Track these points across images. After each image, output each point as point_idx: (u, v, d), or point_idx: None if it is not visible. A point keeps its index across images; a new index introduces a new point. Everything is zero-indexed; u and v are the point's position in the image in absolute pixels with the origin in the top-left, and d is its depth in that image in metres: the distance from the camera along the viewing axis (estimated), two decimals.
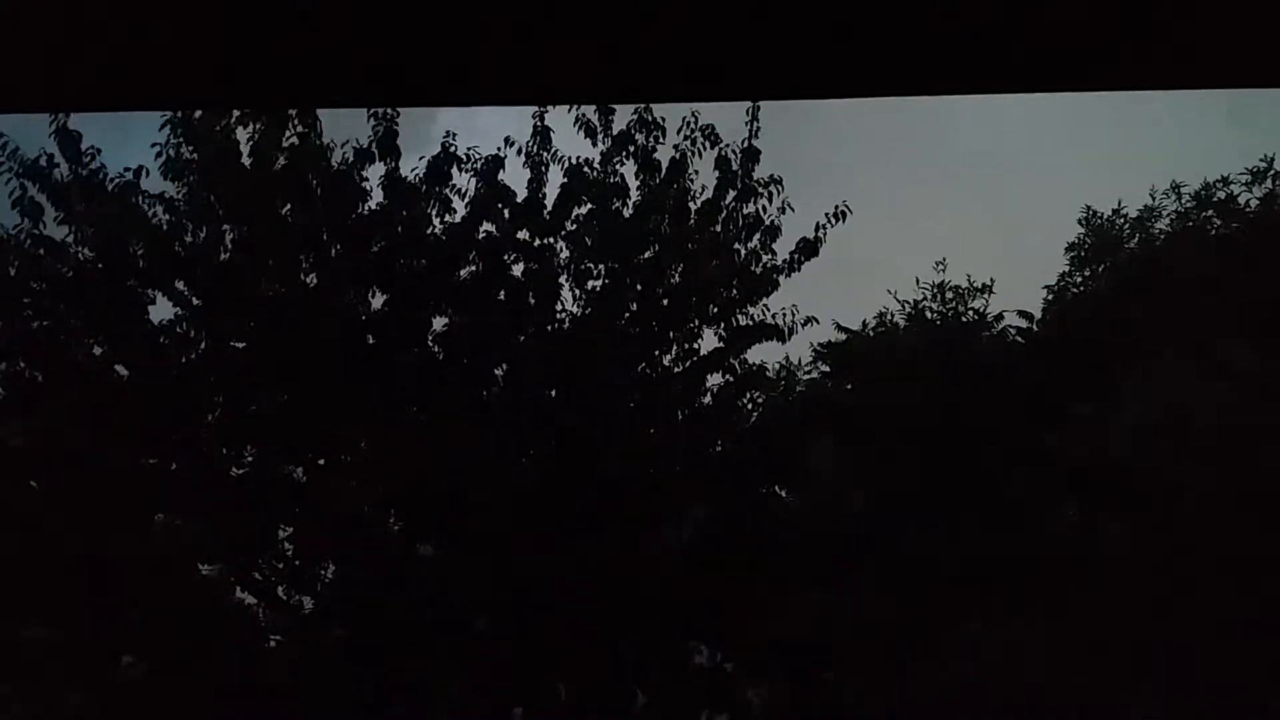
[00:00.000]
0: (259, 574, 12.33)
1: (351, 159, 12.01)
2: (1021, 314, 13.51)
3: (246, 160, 11.69)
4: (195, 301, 11.92)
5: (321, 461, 12.51)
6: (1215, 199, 13.13)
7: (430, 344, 12.22)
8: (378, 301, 12.24)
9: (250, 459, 12.34)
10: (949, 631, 11.97)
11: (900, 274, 13.83)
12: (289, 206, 11.97)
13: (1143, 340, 13.35)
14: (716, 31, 2.12)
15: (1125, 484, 13.25)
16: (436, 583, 11.65)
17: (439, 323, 12.20)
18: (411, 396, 11.97)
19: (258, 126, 11.64)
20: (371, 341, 12.16)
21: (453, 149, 12.09)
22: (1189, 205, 13.29)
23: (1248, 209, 13.09)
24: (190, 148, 11.60)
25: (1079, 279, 13.81)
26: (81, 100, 2.66)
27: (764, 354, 12.78)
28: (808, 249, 11.86)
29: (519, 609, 11.61)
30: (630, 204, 12.16)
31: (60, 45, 2.13)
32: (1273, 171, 13.00)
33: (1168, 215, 13.44)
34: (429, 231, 12.17)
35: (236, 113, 11.58)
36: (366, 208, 12.19)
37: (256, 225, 11.84)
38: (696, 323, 12.06)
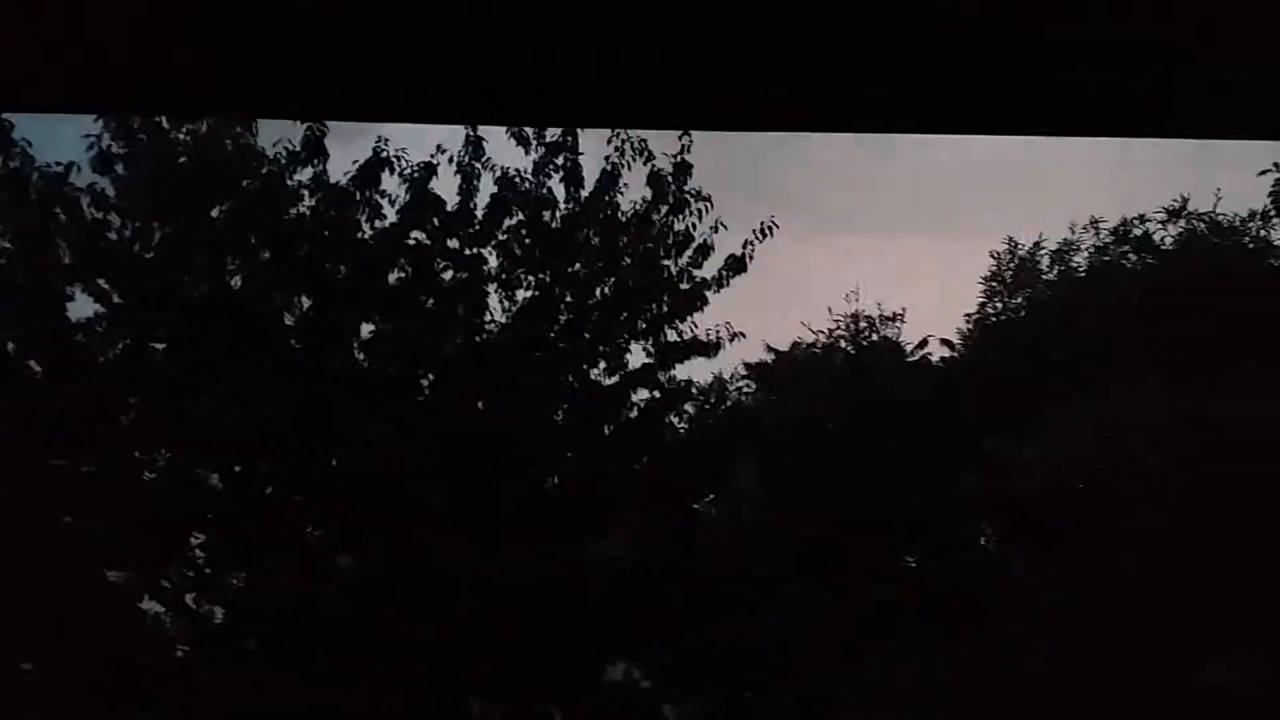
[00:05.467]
0: (168, 581, 12.03)
1: (284, 160, 11.90)
2: (944, 342, 13.74)
3: (178, 158, 11.54)
4: (117, 299, 11.68)
5: (238, 468, 12.28)
6: (1132, 235, 13.51)
7: (356, 350, 12.09)
8: (304, 305, 12.09)
9: (164, 463, 12.08)
10: (871, 654, 12.02)
11: (838, 295, 13.95)
12: (218, 207, 11.81)
13: (1056, 375, 13.62)
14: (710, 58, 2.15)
15: (1035, 518, 13.46)
16: (355, 593, 11.47)
17: (366, 329, 12.09)
18: (336, 403, 11.81)
19: (190, 127, 11.50)
20: (297, 346, 12.00)
21: (384, 154, 12.04)
22: (1108, 240, 13.66)
23: (1163, 246, 13.48)
24: (121, 142, 11.42)
25: (998, 308, 14.09)
26: (74, 102, 2.63)
27: (692, 371, 12.84)
28: (735, 265, 11.99)
29: (436, 621, 11.45)
30: (559, 216, 12.19)
31: (55, 45, 2.10)
32: (1187, 211, 13.42)
33: (1086, 249, 13.81)
34: (358, 236, 12.07)
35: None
36: (296, 211, 12.06)
37: (184, 224, 11.66)
38: (625, 337, 12.10)
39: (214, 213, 11.93)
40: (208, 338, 11.68)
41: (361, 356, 12.15)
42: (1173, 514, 12.81)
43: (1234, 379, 12.77)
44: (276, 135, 12.09)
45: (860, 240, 19.42)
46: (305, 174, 11.98)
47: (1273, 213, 13.63)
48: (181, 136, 11.69)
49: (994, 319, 13.96)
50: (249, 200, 11.99)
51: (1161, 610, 12.72)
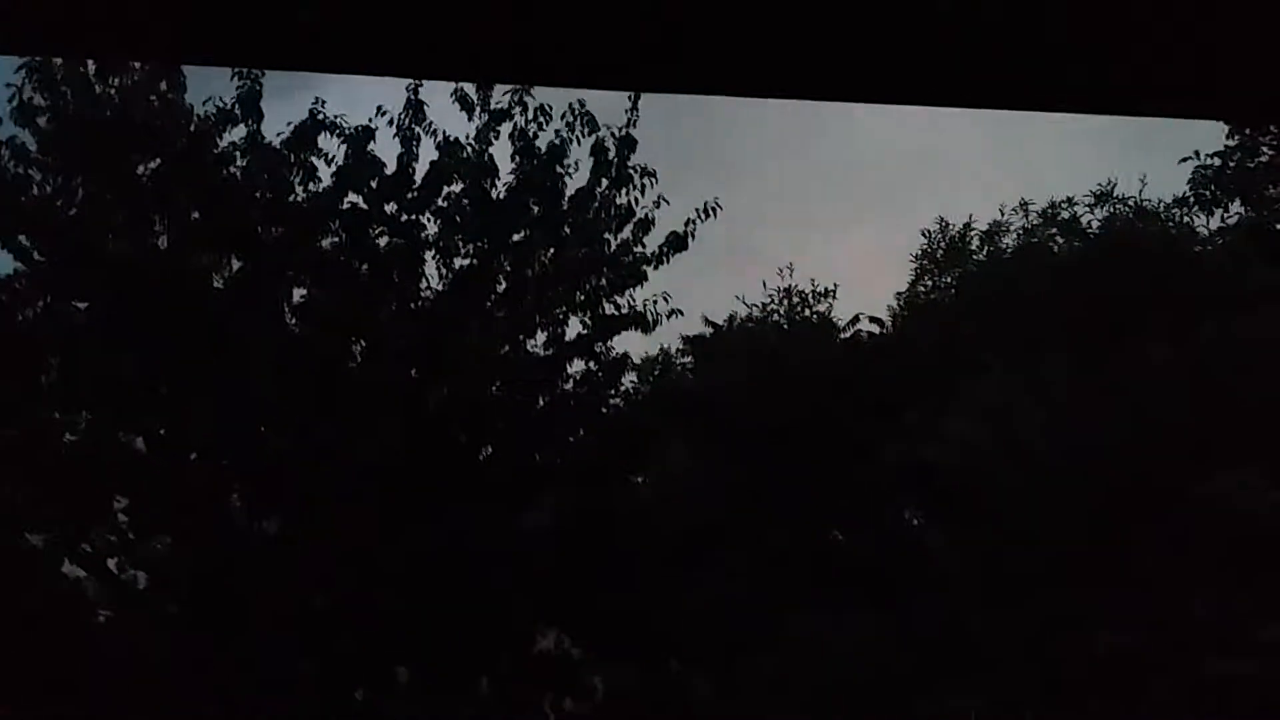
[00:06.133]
0: (89, 545, 11.77)
1: (214, 118, 11.57)
2: (873, 319, 13.92)
3: (104, 112, 11.15)
4: (38, 256, 11.31)
5: (163, 431, 12.03)
6: (1060, 218, 13.77)
7: (287, 315, 11.87)
8: (233, 268, 11.82)
9: (86, 425, 11.79)
10: (792, 621, 12.25)
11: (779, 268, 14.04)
12: (146, 163, 11.45)
13: (979, 352, 13.90)
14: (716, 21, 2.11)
15: (951, 490, 13.78)
16: (279, 560, 11.35)
17: (297, 294, 11.87)
18: (264, 368, 11.59)
19: (118, 80, 11.11)
20: (224, 309, 11.73)
21: (321, 115, 11.76)
22: (1036, 223, 13.91)
23: (1089, 230, 13.77)
24: (44, 94, 11.00)
25: (928, 286, 14.30)
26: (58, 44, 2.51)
27: (632, 344, 12.85)
28: (677, 242, 11.96)
29: (366, 589, 11.39)
30: (502, 185, 12.04)
31: None
32: (1115, 196, 13.71)
33: (1015, 231, 14.05)
34: (291, 199, 11.80)
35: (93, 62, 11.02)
36: (227, 171, 11.75)
37: (109, 180, 11.29)
38: (564, 309, 12.03)
39: (140, 170, 11.56)
40: (132, 298, 11.35)
41: (292, 321, 11.92)
42: (1077, 486, 13.23)
43: (1145, 359, 13.13)
44: (207, 94, 11.79)
45: (800, 216, 19.53)
46: (238, 133, 11.66)
47: (1192, 199, 14.00)
48: (109, 91, 11.29)
49: (924, 297, 14.16)
50: (177, 158, 11.63)
51: (1066, 576, 13.14)
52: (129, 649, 11.31)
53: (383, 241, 11.95)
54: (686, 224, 11.93)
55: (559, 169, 11.89)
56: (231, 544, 11.53)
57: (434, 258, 11.92)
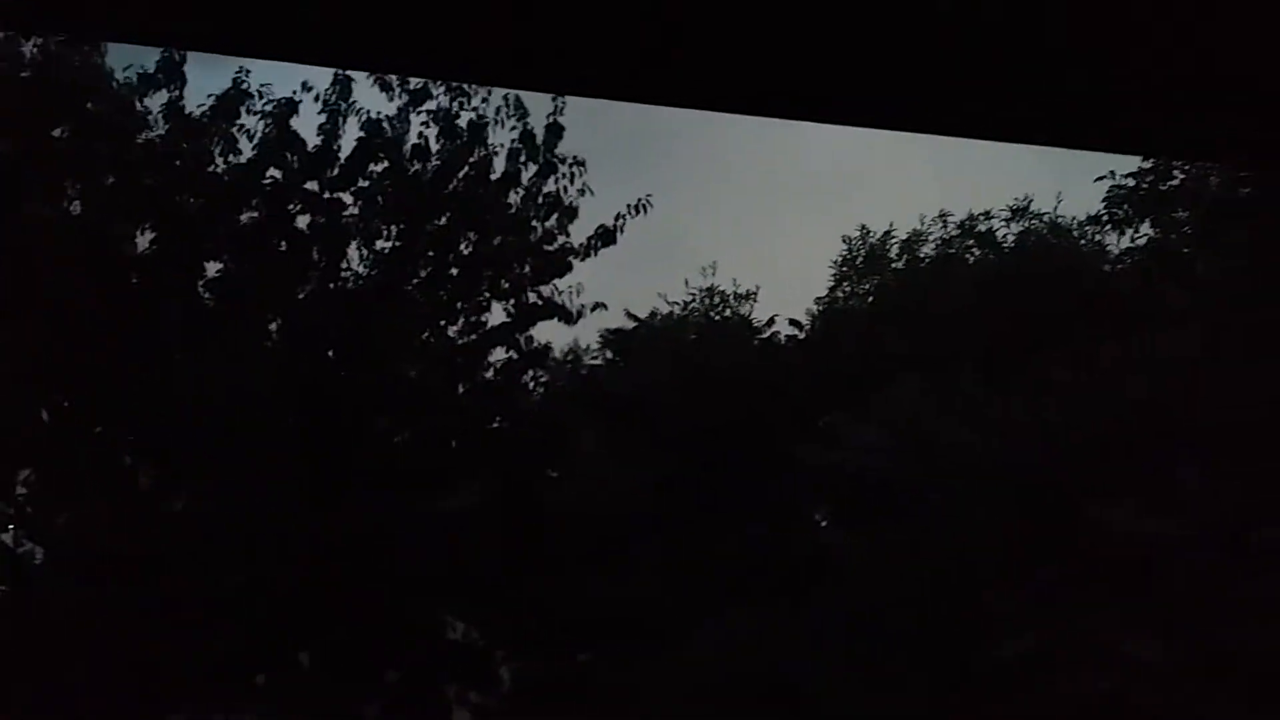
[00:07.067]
0: None
1: (135, 83, 11.28)
2: (792, 322, 14.03)
3: (19, 72, 10.81)
4: None
5: (66, 404, 11.69)
6: (977, 231, 14.01)
7: (201, 289, 11.61)
8: (147, 239, 11.54)
9: None
10: (703, 618, 12.28)
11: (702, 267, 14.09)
12: (60, 126, 11.12)
13: (894, 360, 14.09)
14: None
15: (859, 495, 13.94)
16: (183, 538, 11.09)
17: (213, 267, 11.62)
18: (176, 340, 11.33)
19: (36, 43, 10.79)
20: (136, 279, 11.44)
21: (244, 85, 11.55)
22: (954, 234, 14.14)
23: (1005, 244, 14.03)
24: None
25: (846, 293, 14.45)
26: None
27: (553, 335, 12.78)
28: (605, 236, 11.94)
29: (273, 571, 11.17)
30: (428, 167, 11.91)
31: None
32: (1031, 211, 13.99)
33: (933, 241, 14.26)
34: (212, 169, 11.56)
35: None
36: (145, 137, 11.47)
37: (21, 142, 10.95)
38: (486, 296, 11.93)
39: (56, 132, 11.24)
40: (40, 263, 11.01)
41: (206, 295, 11.66)
42: (981, 497, 13.47)
43: (1051, 376, 13.42)
44: (129, 58, 11.49)
45: (732, 218, 19.60)
46: (159, 99, 11.39)
47: (1105, 218, 14.34)
48: (25, 51, 10.95)
49: (842, 302, 14.31)
50: (94, 122, 11.33)
51: (970, 583, 13.37)
52: (22, 627, 10.97)
53: (304, 220, 11.76)
54: (617, 218, 11.93)
55: (484, 150, 11.81)
56: (137, 521, 11.23)
57: (355, 238, 11.75)
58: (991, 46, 2.13)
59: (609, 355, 13.41)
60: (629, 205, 11.90)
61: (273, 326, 11.82)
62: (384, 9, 2.01)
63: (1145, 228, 14.24)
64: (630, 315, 13.22)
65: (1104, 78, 2.19)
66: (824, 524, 14.76)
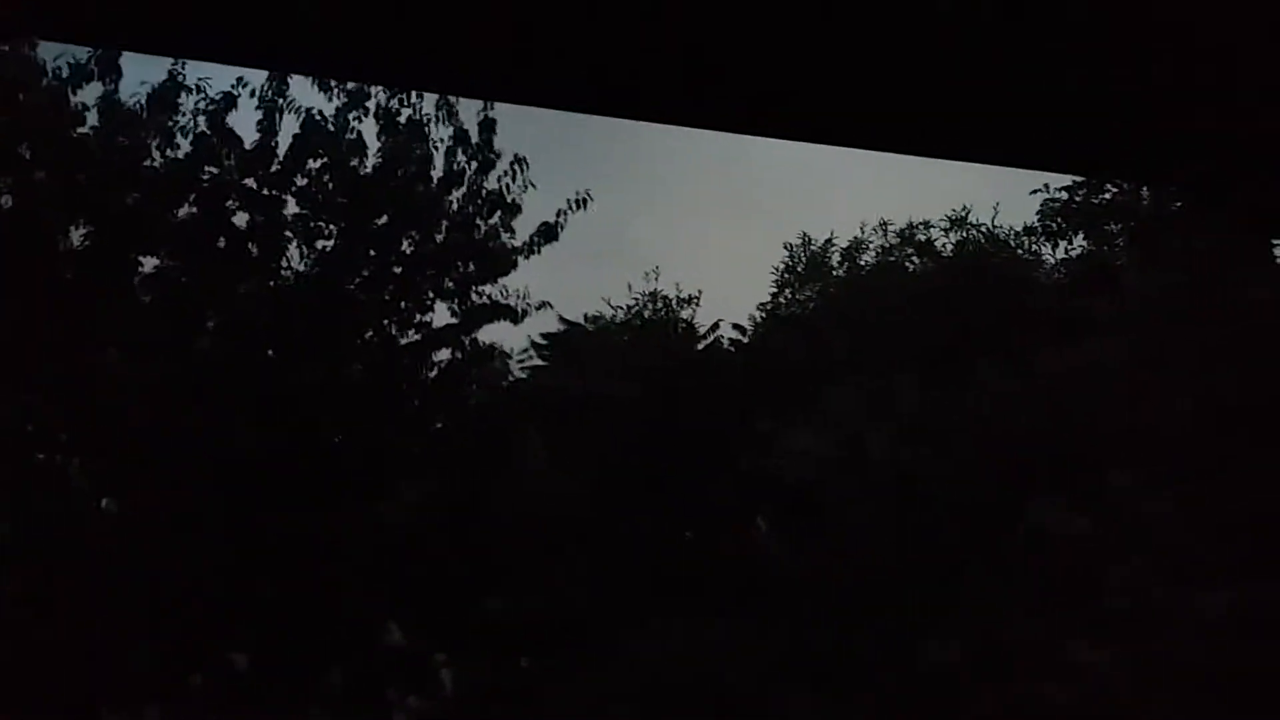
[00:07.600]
0: None
1: (66, 75, 11.03)
2: (735, 327, 14.08)
3: None
4: None
5: None
6: (916, 239, 14.18)
7: (137, 285, 11.37)
8: (80, 234, 11.28)
9: None
10: (645, 625, 12.24)
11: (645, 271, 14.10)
12: None
13: (833, 366, 14.19)
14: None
15: (796, 502, 14.02)
16: (116, 539, 10.84)
17: (149, 263, 11.39)
18: (109, 337, 11.09)
19: None
20: (69, 275, 11.18)
21: (181, 79, 11.36)
22: (894, 242, 14.30)
23: (943, 253, 14.21)
24: None
25: (788, 299, 14.54)
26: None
27: (499, 335, 12.70)
28: (548, 233, 11.89)
29: (204, 573, 10.94)
30: (369, 164, 11.80)
31: None
32: (969, 221, 14.19)
33: (874, 249, 14.41)
34: (148, 164, 11.34)
35: None
36: (78, 131, 11.22)
37: None
38: (430, 295, 11.82)
39: None
40: None
41: (142, 292, 11.42)
42: (915, 504, 13.62)
43: (985, 384, 13.60)
44: (60, 49, 11.24)
45: (672, 222, 19.66)
46: (92, 92, 11.16)
47: (1040, 229, 14.58)
48: None
49: (784, 309, 14.40)
50: (24, 114, 11.06)
51: (905, 588, 13.49)
52: None
53: (242, 217, 11.58)
54: (558, 214, 11.89)
55: (424, 147, 11.72)
56: (70, 520, 10.96)
57: (295, 237, 11.59)
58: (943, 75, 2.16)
59: (540, 360, 13.32)
60: (569, 200, 11.89)
61: (210, 325, 11.59)
62: (385, 24, 2.00)
63: (1079, 240, 14.52)
64: (563, 320, 13.17)
65: (1051, 102, 2.25)
66: (763, 530, 14.80)
